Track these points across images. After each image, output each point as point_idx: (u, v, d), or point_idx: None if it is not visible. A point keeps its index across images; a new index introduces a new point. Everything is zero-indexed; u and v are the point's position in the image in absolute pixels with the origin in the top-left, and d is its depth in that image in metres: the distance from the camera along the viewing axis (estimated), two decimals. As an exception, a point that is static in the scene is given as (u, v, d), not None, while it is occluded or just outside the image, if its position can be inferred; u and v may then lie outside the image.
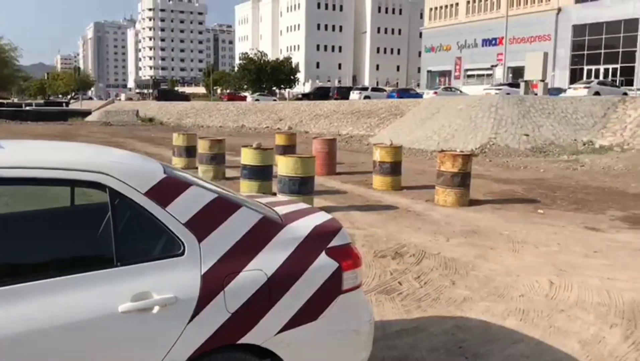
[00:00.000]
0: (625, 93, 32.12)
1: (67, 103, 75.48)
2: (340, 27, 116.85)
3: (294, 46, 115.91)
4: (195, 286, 2.44)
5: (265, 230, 2.72)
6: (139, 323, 2.34)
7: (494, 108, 20.74)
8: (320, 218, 3.13)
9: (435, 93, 44.59)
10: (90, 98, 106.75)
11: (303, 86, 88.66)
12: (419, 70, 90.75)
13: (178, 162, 14.82)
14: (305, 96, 54.94)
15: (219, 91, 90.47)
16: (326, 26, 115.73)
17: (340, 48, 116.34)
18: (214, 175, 12.76)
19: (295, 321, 2.65)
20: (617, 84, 45.41)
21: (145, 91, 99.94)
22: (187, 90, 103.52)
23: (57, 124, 40.81)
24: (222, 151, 13.46)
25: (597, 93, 31.60)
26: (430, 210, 9.87)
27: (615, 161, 16.75)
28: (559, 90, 39.51)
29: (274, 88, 76.44)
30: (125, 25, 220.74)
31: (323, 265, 2.77)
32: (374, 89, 52.61)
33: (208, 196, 2.66)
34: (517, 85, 34.02)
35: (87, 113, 54.02)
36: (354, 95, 47.25)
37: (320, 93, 53.68)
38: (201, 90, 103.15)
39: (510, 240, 7.73)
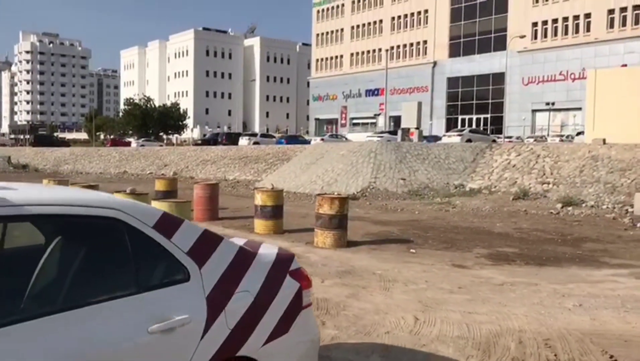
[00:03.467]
0: (494, 141, 34.72)
1: None
2: (230, 75, 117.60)
3: (183, 92, 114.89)
4: (202, 308, 2.79)
5: (244, 258, 3.16)
6: (163, 342, 2.62)
7: (373, 154, 21.58)
8: (273, 248, 3.60)
9: (322, 140, 45.76)
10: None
11: (191, 132, 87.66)
12: (307, 117, 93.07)
13: (48, 209, 13.95)
14: (205, 142, 54.02)
15: (102, 137, 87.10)
16: (215, 73, 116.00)
17: (229, 95, 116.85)
18: (86, 223, 12.11)
19: (274, 334, 3.10)
20: (488, 132, 49.09)
21: (22, 137, 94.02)
22: (68, 135, 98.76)
23: None
24: (96, 197, 12.85)
25: (469, 140, 33.89)
26: (309, 252, 9.94)
27: (484, 202, 17.90)
28: (436, 138, 41.98)
29: (161, 134, 74.95)
30: (0, 67, 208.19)
31: (289, 285, 3.27)
32: (263, 135, 52.98)
33: (198, 229, 3.03)
34: (397, 133, 35.74)
35: (-50, 159, 49.57)
36: (243, 141, 47.29)
37: (229, 138, 52.71)
38: (83, 135, 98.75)
39: (382, 279, 7.93)
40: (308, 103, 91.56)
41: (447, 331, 5.70)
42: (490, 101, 62.30)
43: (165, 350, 2.63)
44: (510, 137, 46.47)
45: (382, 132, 46.27)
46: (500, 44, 59.56)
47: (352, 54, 79.28)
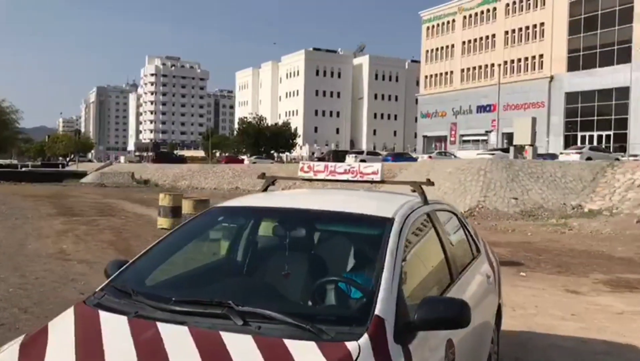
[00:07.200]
0: (617, 159, 32.38)
1: (64, 165, 75.91)
2: (339, 93, 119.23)
3: (293, 111, 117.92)
4: (490, 270, 4.25)
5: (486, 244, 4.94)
6: (489, 287, 4.06)
7: (482, 172, 20.84)
8: None
9: (430, 157, 45.02)
10: (90, 160, 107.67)
11: (300, 150, 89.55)
12: (415, 135, 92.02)
13: (163, 222, 14.70)
14: (321, 159, 55.47)
15: (217, 154, 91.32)
16: (324, 92, 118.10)
17: (338, 113, 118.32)
18: (197, 235, 12.59)
19: None
20: (610, 150, 45.91)
21: (145, 154, 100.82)
22: (187, 153, 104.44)
23: (52, 185, 40.89)
24: (206, 211, 13.34)
25: (589, 158, 31.88)
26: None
27: (604, 225, 16.67)
28: (552, 156, 39.87)
29: (273, 151, 77.26)
30: (128, 90, 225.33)
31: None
32: (369, 153, 53.10)
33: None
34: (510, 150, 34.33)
35: (83, 174, 54.10)
36: (350, 158, 47.55)
37: (336, 156, 53.82)
38: (200, 153, 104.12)
39: (487, 303, 7.55)
40: (416, 121, 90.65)
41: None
42: (613, 117, 58.27)
43: (490, 291, 3.98)
44: (635, 156, 43.13)
45: (493, 150, 44.72)
46: (624, 57, 55.67)
47: (462, 70, 77.57)
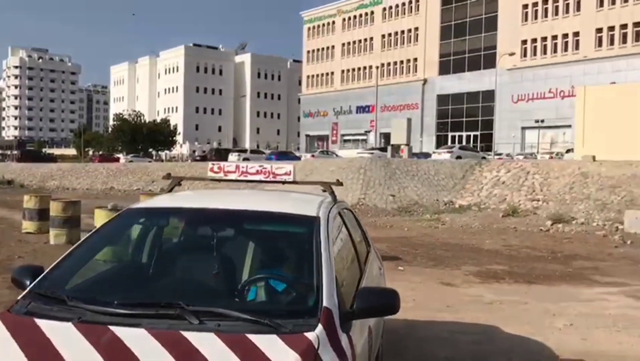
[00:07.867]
0: (484, 158, 34.69)
1: None
2: (220, 91, 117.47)
3: (172, 108, 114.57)
4: (379, 262, 4.74)
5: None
6: (383, 275, 4.65)
7: (362, 170, 21.45)
8: None
9: (313, 156, 45.68)
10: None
11: (181, 148, 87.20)
12: (298, 134, 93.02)
13: (29, 226, 13.55)
14: (203, 157, 54.13)
15: (90, 153, 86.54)
16: (205, 89, 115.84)
17: (220, 111, 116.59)
18: (67, 240, 11.73)
19: None
20: (478, 149, 49.16)
21: (9, 152, 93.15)
22: (57, 151, 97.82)
23: None
24: (78, 213, 12.49)
25: (459, 157, 33.84)
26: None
27: (473, 219, 17.75)
28: (426, 155, 41.96)
29: (151, 150, 74.47)
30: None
31: None
32: (252, 151, 52.85)
33: None
34: (387, 150, 35.60)
35: None
36: (233, 157, 46.97)
37: (219, 154, 52.74)
38: (72, 151, 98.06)
39: (368, 298, 7.69)
40: (299, 120, 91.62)
41: (434, 351, 5.49)
42: (480, 118, 62.53)
43: (381, 282, 4.28)
44: (500, 154, 46.55)
45: (372, 149, 46.20)
46: (489, 62, 59.84)
47: (342, 71, 79.54)
